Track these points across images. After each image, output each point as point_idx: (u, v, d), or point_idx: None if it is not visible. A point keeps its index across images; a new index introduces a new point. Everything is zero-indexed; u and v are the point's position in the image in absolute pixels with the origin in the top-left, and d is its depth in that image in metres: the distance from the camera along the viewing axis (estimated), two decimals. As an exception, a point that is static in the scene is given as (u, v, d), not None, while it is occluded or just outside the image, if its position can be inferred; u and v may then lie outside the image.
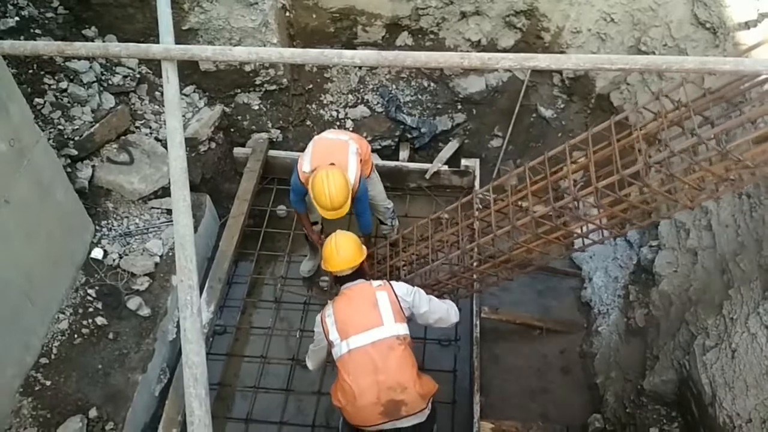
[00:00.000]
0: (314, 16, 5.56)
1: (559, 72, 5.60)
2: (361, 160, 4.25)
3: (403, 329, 3.46)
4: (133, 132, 4.89)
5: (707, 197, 3.08)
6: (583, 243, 3.52)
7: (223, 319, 4.85)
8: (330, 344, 3.50)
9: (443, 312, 3.70)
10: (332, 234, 3.82)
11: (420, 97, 5.98)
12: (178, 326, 4.37)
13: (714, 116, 2.94)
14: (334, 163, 4.05)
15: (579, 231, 3.47)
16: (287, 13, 5.50)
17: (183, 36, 5.05)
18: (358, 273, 3.71)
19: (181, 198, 2.55)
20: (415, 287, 3.69)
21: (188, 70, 5.37)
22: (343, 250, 3.68)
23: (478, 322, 4.50)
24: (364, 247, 3.83)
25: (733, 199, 3.55)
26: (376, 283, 3.61)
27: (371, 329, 3.40)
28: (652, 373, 3.82)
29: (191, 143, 5.22)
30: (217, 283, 4.59)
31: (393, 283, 3.61)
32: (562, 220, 3.40)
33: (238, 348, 4.75)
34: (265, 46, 5.32)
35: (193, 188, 5.08)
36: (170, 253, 4.43)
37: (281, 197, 5.57)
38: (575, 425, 4.25)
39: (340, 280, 3.71)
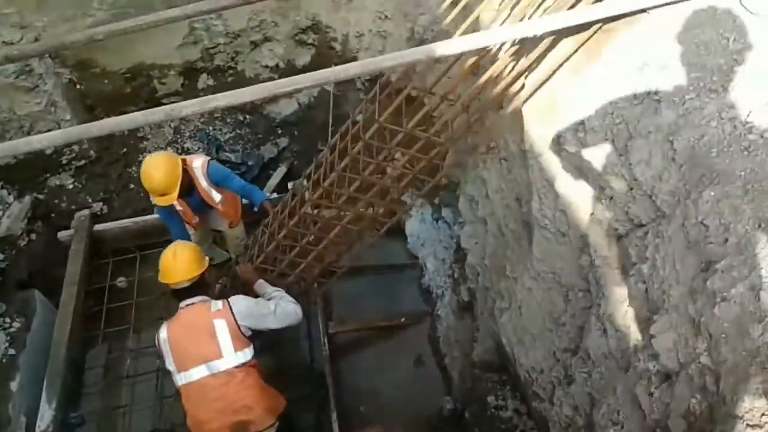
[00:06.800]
0: (106, 81, 5.48)
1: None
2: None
3: (244, 356, 3.37)
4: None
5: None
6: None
7: (82, 407, 4.68)
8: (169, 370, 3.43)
9: (284, 319, 3.54)
10: (171, 244, 3.66)
11: (239, 131, 6.01)
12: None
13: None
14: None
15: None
16: (77, 86, 5.40)
17: (-29, 136, 4.90)
18: (198, 286, 3.51)
19: None
20: (259, 300, 3.58)
21: (-12, 168, 5.19)
22: (180, 259, 3.46)
23: (326, 340, 4.53)
24: (206, 258, 3.65)
25: (498, 164, 3.72)
26: (215, 306, 3.41)
27: (210, 362, 3.30)
28: (477, 344, 3.96)
29: (8, 241, 5.05)
30: (57, 378, 4.43)
31: (233, 304, 3.41)
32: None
33: (104, 432, 4.59)
34: (59, 125, 5.21)
35: (22, 286, 4.95)
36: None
37: (119, 269, 5.44)
38: (434, 413, 4.32)
39: (178, 295, 3.49)
